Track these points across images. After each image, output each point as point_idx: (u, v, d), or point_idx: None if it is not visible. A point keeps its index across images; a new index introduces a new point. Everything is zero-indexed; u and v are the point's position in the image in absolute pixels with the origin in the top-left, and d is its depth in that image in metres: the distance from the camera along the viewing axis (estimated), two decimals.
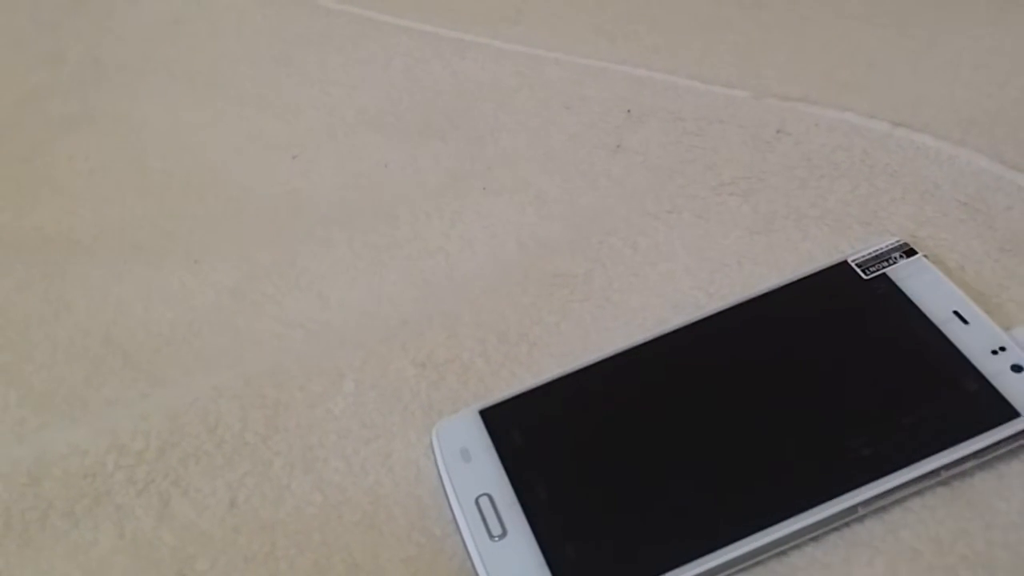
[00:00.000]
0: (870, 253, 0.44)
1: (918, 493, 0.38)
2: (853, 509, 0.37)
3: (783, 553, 0.37)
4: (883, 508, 0.37)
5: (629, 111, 0.56)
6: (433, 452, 0.42)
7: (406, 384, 0.45)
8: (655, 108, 0.56)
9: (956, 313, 0.41)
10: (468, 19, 0.64)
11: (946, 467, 0.37)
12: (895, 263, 0.43)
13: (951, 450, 0.37)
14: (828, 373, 0.41)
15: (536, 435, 0.41)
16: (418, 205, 0.54)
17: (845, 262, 0.44)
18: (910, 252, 0.44)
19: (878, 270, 0.43)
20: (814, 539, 0.37)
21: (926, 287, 0.42)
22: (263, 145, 0.60)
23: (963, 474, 0.38)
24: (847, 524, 0.37)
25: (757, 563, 0.37)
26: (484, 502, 0.40)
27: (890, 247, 0.44)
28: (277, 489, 0.42)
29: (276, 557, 0.39)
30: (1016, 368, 0.39)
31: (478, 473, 0.41)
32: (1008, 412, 0.38)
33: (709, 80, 0.56)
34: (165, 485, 0.42)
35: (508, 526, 0.39)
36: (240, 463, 0.42)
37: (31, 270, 0.54)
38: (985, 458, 0.38)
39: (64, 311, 0.51)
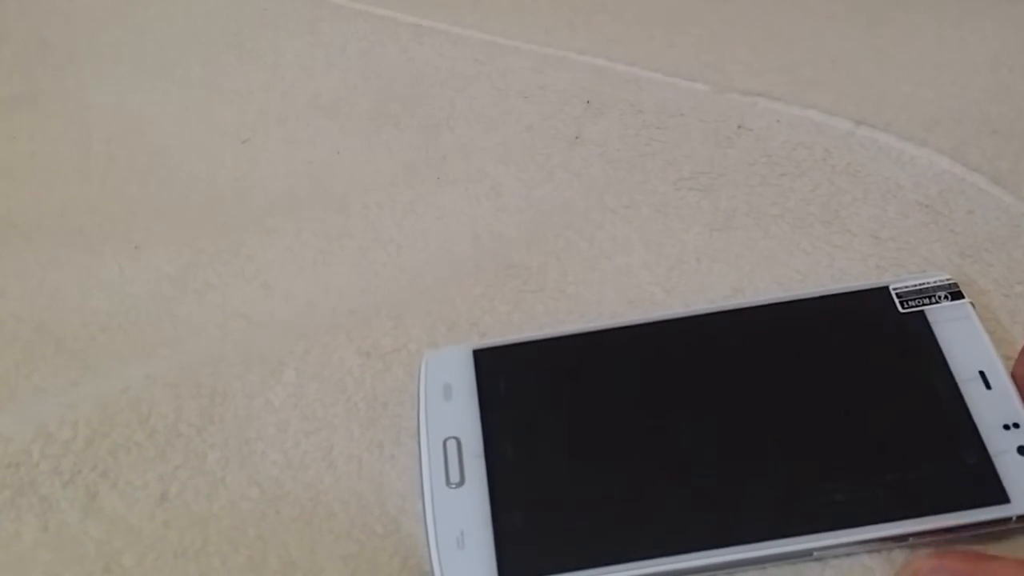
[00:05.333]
0: (914, 285, 0.41)
1: (879, 551, 0.36)
2: (808, 552, 0.35)
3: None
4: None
5: (589, 102, 0.55)
6: (417, 381, 0.41)
7: (350, 374, 0.43)
8: (615, 100, 0.54)
9: (981, 374, 0.38)
10: (426, 4, 0.63)
11: (917, 535, 0.35)
12: (937, 303, 0.40)
13: (926, 519, 0.35)
14: (827, 403, 0.38)
15: (521, 390, 0.40)
16: (370, 194, 0.52)
17: (886, 288, 0.41)
18: (957, 295, 0.41)
19: (917, 305, 0.40)
20: None
21: (960, 337, 0.39)
22: (211, 129, 0.58)
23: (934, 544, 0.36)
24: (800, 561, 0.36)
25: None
26: (451, 445, 0.39)
27: (937, 284, 0.41)
28: (211, 483, 0.40)
29: (208, 553, 0.38)
30: (1023, 450, 0.36)
31: (453, 414, 0.40)
32: (999, 495, 0.35)
33: (671, 73, 0.55)
34: (93, 477, 0.40)
35: (467, 476, 0.38)
36: (173, 455, 0.41)
37: None
38: (961, 535, 0.35)
39: None
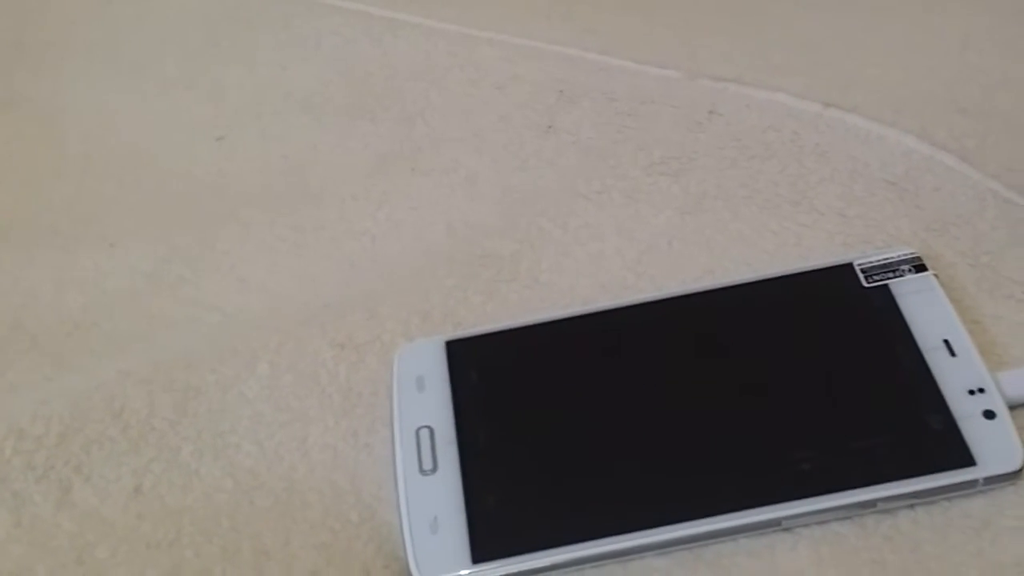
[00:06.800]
0: (879, 260, 0.42)
1: (850, 518, 0.36)
2: (777, 521, 0.36)
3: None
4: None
5: (561, 92, 0.55)
6: (390, 374, 0.41)
7: (324, 366, 0.43)
8: (588, 89, 0.55)
9: (946, 342, 0.39)
10: None
11: (884, 500, 0.36)
12: (901, 276, 0.41)
13: (893, 484, 0.36)
14: (793, 377, 0.39)
15: (493, 378, 0.41)
16: (345, 187, 0.52)
17: (850, 264, 0.42)
18: (920, 267, 0.41)
19: (881, 280, 0.41)
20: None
21: (924, 308, 0.40)
22: (187, 127, 0.58)
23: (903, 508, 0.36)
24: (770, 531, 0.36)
25: (677, 549, 0.36)
26: (424, 434, 0.39)
27: (901, 258, 0.42)
28: (185, 475, 0.40)
29: (181, 544, 0.38)
30: (988, 414, 0.37)
31: (426, 404, 0.40)
32: (965, 458, 0.36)
33: (643, 61, 0.55)
34: (66, 471, 0.40)
35: (440, 463, 0.39)
36: (146, 449, 0.41)
37: None
38: (929, 499, 0.36)
39: None
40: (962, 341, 0.39)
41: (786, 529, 0.36)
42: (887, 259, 0.42)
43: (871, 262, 0.42)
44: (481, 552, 0.36)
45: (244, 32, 0.63)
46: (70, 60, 0.64)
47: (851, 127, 0.49)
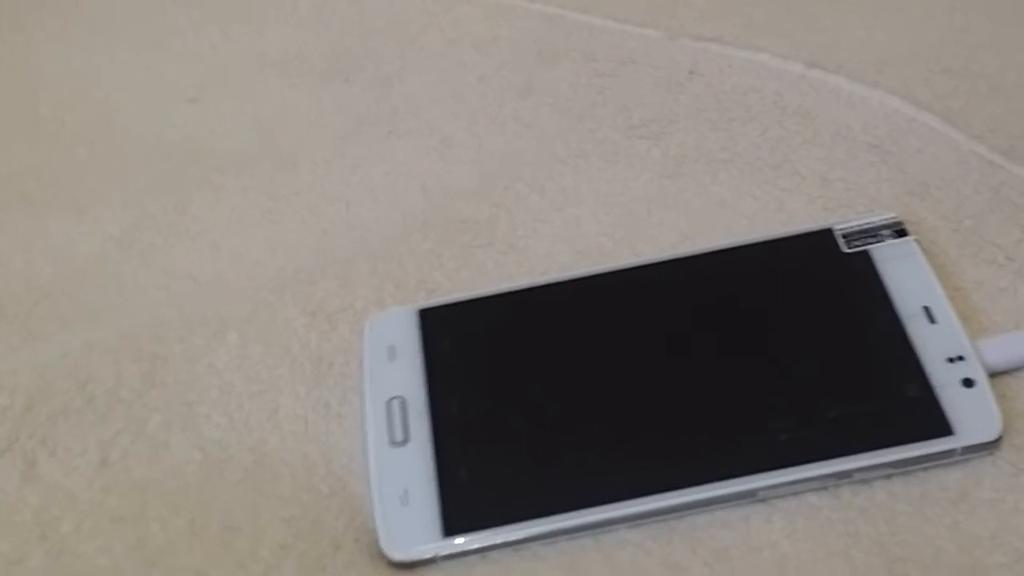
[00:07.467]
0: (859, 225, 0.41)
1: (825, 489, 0.36)
2: (753, 492, 0.35)
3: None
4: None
5: (540, 51, 0.54)
6: (361, 344, 0.41)
7: (295, 335, 0.42)
8: (567, 49, 0.53)
9: (926, 309, 0.38)
10: None
11: (860, 470, 0.35)
12: (881, 241, 0.40)
13: (871, 454, 0.35)
14: (770, 345, 0.38)
15: (466, 347, 0.40)
16: (319, 151, 0.51)
17: (829, 230, 0.41)
18: (901, 232, 0.41)
19: (861, 245, 0.40)
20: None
21: (904, 274, 0.39)
22: (160, 89, 0.57)
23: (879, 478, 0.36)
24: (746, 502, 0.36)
25: (651, 521, 0.36)
26: (395, 405, 0.39)
27: (881, 223, 0.41)
28: (153, 447, 0.39)
29: (147, 518, 0.37)
30: (967, 382, 0.36)
31: (398, 374, 0.40)
32: (943, 428, 0.35)
33: (623, 20, 0.54)
34: (31, 444, 0.39)
35: (411, 434, 0.38)
36: (113, 420, 0.40)
37: None
38: (906, 469, 0.35)
39: None
40: (942, 308, 0.38)
41: (761, 500, 0.36)
42: (868, 224, 0.41)
43: (851, 227, 0.41)
44: (452, 525, 0.36)
45: None
46: (40, 22, 0.63)
47: (834, 88, 0.48)
